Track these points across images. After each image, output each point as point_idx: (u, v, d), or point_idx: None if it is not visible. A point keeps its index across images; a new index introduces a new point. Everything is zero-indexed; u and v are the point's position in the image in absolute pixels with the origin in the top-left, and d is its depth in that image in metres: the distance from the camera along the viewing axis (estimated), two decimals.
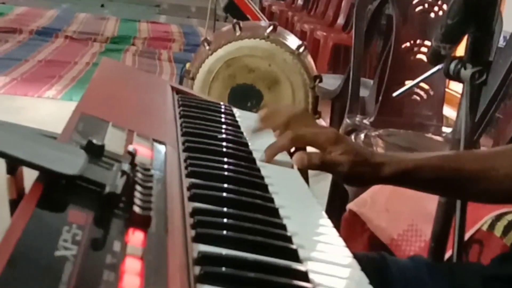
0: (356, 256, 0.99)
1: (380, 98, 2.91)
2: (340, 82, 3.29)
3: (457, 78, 1.15)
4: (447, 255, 1.31)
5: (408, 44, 2.98)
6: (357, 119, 2.75)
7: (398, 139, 2.42)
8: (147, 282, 0.51)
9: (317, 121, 2.23)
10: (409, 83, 2.92)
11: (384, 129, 2.51)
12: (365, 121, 2.75)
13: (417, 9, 2.90)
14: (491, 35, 1.12)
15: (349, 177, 0.95)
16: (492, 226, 1.37)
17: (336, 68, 4.84)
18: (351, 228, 1.64)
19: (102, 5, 8.10)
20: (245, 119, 1.17)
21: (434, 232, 1.25)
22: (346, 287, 0.65)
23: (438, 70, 1.20)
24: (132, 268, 0.52)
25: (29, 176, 0.65)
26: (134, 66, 5.02)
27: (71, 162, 0.62)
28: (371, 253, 1.02)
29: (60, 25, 6.17)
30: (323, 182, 2.57)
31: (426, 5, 2.93)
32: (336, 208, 2.25)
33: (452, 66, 1.15)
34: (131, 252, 0.54)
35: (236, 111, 1.21)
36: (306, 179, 2.04)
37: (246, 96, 1.96)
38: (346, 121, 2.69)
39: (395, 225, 1.57)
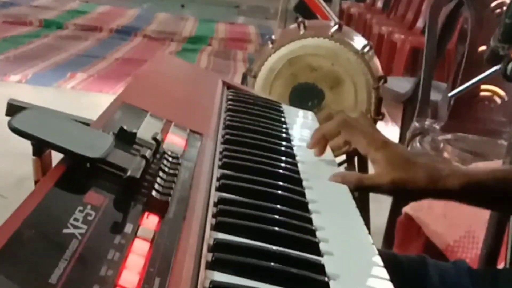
0: (396, 258, 0.98)
1: (452, 102, 2.83)
2: (412, 85, 3.22)
3: None
4: (501, 266, 1.26)
5: (484, 47, 2.89)
6: (427, 123, 2.68)
7: (466, 144, 2.35)
8: (152, 263, 0.52)
9: (380, 123, 2.19)
10: (484, 86, 2.81)
11: (452, 134, 2.44)
12: (435, 125, 2.68)
13: (494, 12, 2.80)
14: None
15: (395, 195, 0.92)
16: None
17: (414, 72, 4.74)
18: (406, 232, 1.61)
19: (182, 6, 8.26)
20: (293, 115, 1.17)
21: (487, 238, 1.20)
22: (363, 282, 0.64)
23: (496, 71, 1.15)
24: (139, 249, 0.53)
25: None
26: (208, 66, 5.10)
27: (96, 146, 0.64)
28: (412, 256, 0.99)
29: (140, 25, 6.34)
30: None
31: (505, 8, 2.83)
32: (399, 213, 2.21)
33: (510, 66, 1.11)
34: (142, 234, 0.55)
35: (285, 107, 1.20)
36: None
37: (307, 95, 1.95)
38: (415, 124, 2.64)
39: (452, 231, 1.52)
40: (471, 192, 0.88)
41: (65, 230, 0.51)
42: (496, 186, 0.88)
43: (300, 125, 1.16)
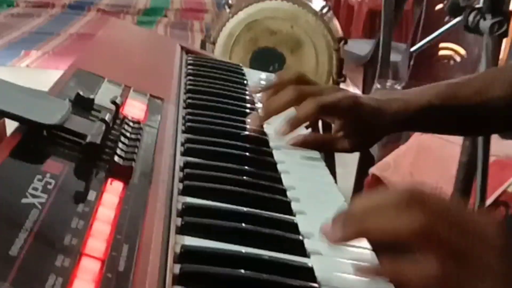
0: None
1: (412, 62, 2.84)
2: (371, 47, 3.22)
3: (476, 30, 1.10)
4: None
5: (440, 6, 2.89)
6: (388, 83, 2.68)
7: None
8: (119, 230, 0.49)
9: (343, 85, 2.18)
10: (444, 44, 2.80)
11: None
12: (396, 86, 2.69)
13: None
14: None
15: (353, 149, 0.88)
16: None
17: (372, 34, 4.75)
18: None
19: None
20: (254, 78, 1.14)
21: (454, 193, 1.21)
22: None
23: (458, 22, 1.14)
24: (104, 216, 0.50)
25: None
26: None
27: (52, 113, 0.61)
28: None
29: None
30: None
31: None
32: (366, 175, 2.21)
33: (471, 17, 1.10)
34: (106, 201, 0.53)
35: (246, 70, 1.18)
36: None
37: (268, 60, 1.92)
38: (376, 86, 2.63)
39: None
40: (424, 117, 0.84)
41: (24, 200, 0.48)
42: (443, 105, 0.83)
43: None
